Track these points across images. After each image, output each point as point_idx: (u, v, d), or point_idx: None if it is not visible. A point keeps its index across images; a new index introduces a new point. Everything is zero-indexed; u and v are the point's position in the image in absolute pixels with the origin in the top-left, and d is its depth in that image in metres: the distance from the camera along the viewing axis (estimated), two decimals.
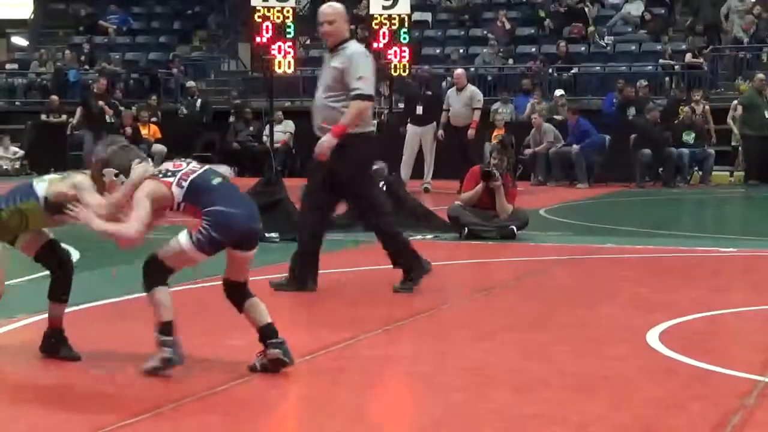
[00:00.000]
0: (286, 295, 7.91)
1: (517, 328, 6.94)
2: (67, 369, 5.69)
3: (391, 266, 8.34)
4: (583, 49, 26.30)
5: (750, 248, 11.03)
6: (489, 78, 25.47)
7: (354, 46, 8.18)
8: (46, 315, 5.94)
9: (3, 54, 31.72)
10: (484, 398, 5.17)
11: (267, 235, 10.80)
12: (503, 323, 7.12)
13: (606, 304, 7.85)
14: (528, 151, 20.55)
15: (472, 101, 18.21)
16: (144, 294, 5.54)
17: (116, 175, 5.49)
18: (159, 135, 23.08)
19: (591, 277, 9.47)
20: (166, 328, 5.46)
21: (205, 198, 5.48)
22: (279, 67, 16.74)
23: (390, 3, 20.03)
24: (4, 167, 23.63)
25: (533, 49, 26.57)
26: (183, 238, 5.47)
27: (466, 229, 11.56)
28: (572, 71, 25.37)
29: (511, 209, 11.69)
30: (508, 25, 27.13)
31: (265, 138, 21.85)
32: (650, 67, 25.24)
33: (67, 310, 5.94)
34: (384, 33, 19.94)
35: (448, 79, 22.38)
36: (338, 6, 8.24)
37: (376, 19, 20.11)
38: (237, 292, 5.67)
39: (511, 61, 26.38)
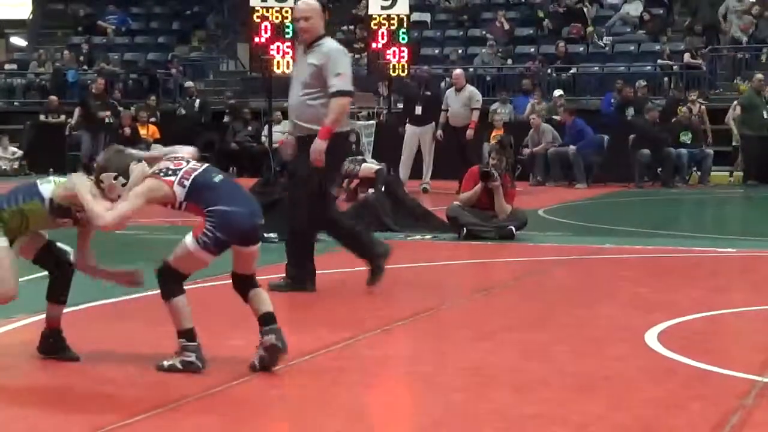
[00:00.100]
0: (286, 295, 7.90)
1: (517, 328, 6.94)
2: (67, 369, 5.69)
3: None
4: (581, 49, 26.31)
5: (749, 248, 11.03)
6: (488, 78, 25.47)
7: (330, 43, 8.15)
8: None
9: (2, 54, 31.73)
10: (484, 398, 5.17)
11: (266, 235, 10.79)
12: (503, 323, 7.12)
13: (605, 305, 7.85)
14: (526, 151, 20.56)
15: (470, 101, 18.20)
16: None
17: (115, 178, 5.50)
18: (158, 135, 23.06)
19: (590, 277, 9.47)
20: (188, 334, 5.54)
21: (208, 197, 5.51)
22: (278, 68, 16.74)
23: (389, 3, 20.06)
24: (3, 167, 23.62)
25: (532, 50, 26.57)
26: (189, 240, 5.50)
27: (464, 229, 11.56)
28: (571, 71, 25.37)
29: (510, 209, 11.69)
30: (506, 26, 27.15)
31: (263, 138, 21.86)
32: (649, 68, 25.25)
33: (66, 310, 5.94)
34: (383, 33, 19.97)
35: (447, 79, 22.38)
36: (314, 2, 8.14)
37: (375, 19, 20.14)
38: (243, 284, 5.73)
39: (509, 61, 26.39)
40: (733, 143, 21.62)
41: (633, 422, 4.77)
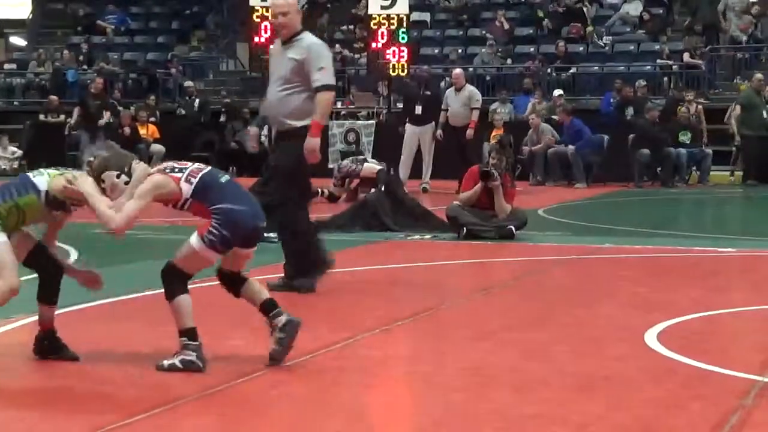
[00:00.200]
0: (286, 295, 7.90)
1: (517, 328, 6.94)
2: (66, 369, 5.68)
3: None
4: (581, 49, 26.31)
5: (749, 248, 11.03)
6: (487, 78, 25.48)
7: (310, 38, 8.13)
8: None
9: (1, 54, 31.72)
10: (484, 398, 5.17)
11: (265, 235, 10.77)
12: (502, 323, 7.13)
13: (605, 304, 7.85)
14: (525, 149, 20.55)
15: (470, 101, 18.21)
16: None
17: (117, 176, 5.50)
18: (157, 135, 23.07)
19: (589, 276, 9.47)
20: (190, 334, 5.54)
21: (214, 195, 5.54)
22: None
23: (388, 3, 20.06)
24: (3, 167, 23.65)
25: (532, 49, 26.57)
26: (194, 240, 5.51)
27: (464, 229, 11.55)
28: (571, 71, 25.37)
29: (510, 209, 11.69)
30: (506, 25, 27.14)
31: (263, 138, 21.85)
32: (648, 67, 25.25)
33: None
34: (382, 33, 19.97)
35: (447, 79, 22.38)
36: None
37: (375, 18, 20.14)
38: (230, 279, 5.76)
39: (509, 61, 26.38)
40: (734, 143, 21.62)
41: (633, 422, 4.77)
